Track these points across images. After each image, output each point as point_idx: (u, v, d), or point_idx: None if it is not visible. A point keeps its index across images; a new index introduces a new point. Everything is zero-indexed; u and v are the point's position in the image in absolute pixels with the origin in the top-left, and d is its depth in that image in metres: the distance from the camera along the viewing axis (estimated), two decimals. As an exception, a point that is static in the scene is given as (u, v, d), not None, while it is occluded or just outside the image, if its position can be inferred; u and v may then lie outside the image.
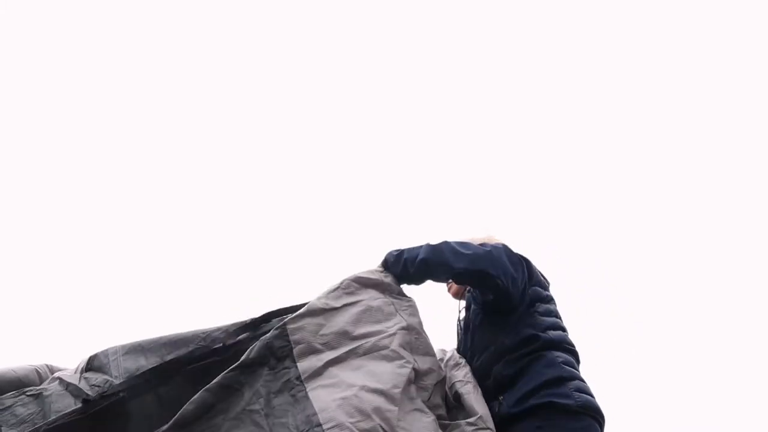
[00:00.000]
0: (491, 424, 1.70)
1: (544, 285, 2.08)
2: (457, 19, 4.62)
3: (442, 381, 1.81)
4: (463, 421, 1.69)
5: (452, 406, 1.80)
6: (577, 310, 3.75)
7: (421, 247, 1.96)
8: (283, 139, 4.55)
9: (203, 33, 4.55)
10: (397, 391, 1.56)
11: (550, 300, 2.04)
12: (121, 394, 1.52)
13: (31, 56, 4.31)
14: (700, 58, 4.42)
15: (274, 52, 4.58)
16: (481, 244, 1.99)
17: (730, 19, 4.33)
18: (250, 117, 4.58)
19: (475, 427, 1.67)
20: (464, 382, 1.85)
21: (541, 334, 1.88)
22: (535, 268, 2.07)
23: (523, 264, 1.98)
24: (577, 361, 1.96)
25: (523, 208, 4.26)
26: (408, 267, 1.93)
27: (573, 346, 1.97)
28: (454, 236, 2.04)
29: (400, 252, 1.98)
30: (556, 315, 2.01)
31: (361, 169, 4.47)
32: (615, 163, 4.45)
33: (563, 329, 1.98)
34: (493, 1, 4.57)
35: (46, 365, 2.01)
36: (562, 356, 1.86)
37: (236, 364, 1.56)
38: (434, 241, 1.97)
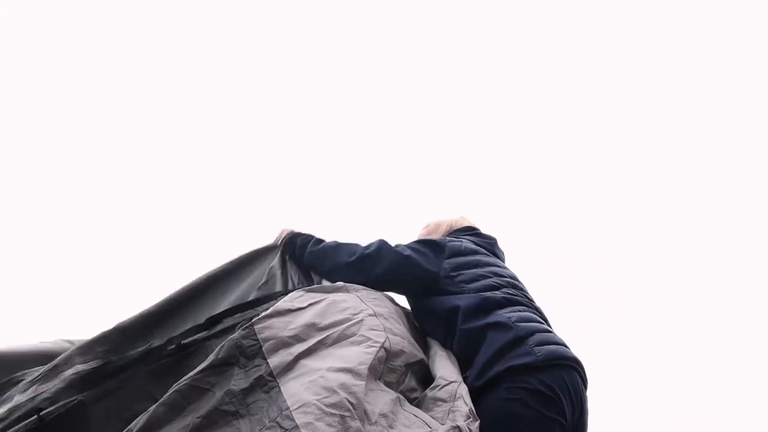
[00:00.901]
0: (452, 378, 1.69)
1: (461, 250, 2.04)
2: (448, 18, 4.62)
3: (420, 363, 1.80)
4: (426, 391, 1.69)
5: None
6: (577, 310, 3.78)
7: (311, 239, 2.17)
8: (281, 138, 4.55)
9: (197, 30, 4.55)
10: (363, 367, 1.56)
11: (480, 263, 2.00)
12: (76, 400, 1.50)
13: (31, 56, 4.31)
14: (699, 58, 4.43)
15: (260, 49, 4.58)
16: (397, 246, 2.05)
17: (730, 20, 4.33)
18: (247, 117, 4.58)
19: (436, 388, 1.67)
20: (432, 353, 1.86)
21: (472, 295, 1.86)
22: (449, 241, 2.07)
23: (406, 255, 1.99)
24: (541, 315, 1.91)
25: (523, 208, 4.25)
26: (297, 254, 2.17)
27: (530, 300, 1.93)
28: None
29: (304, 239, 2.19)
30: (496, 272, 1.97)
31: (356, 166, 4.47)
32: (615, 163, 4.45)
33: (510, 284, 1.93)
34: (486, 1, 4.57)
35: (67, 340, 2.02)
36: (516, 314, 1.81)
37: (205, 365, 1.55)
38: (325, 241, 2.16)
